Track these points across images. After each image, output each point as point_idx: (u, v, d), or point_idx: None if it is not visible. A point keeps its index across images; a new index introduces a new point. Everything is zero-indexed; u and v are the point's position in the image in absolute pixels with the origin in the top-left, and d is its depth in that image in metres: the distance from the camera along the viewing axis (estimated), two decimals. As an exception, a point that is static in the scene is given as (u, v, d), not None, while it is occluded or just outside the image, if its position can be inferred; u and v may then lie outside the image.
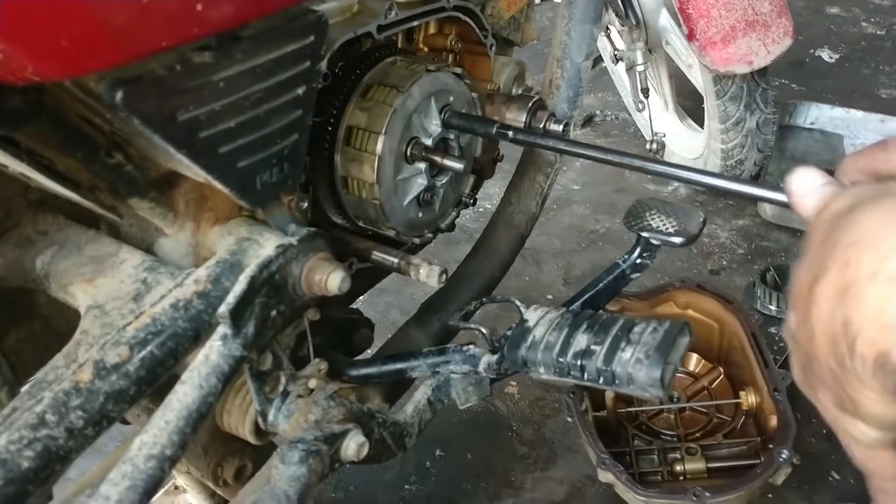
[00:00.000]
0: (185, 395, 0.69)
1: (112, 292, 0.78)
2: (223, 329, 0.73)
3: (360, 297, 1.25)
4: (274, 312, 0.79)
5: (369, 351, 1.15)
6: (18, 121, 0.61)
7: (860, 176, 0.52)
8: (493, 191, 2.15)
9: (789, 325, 0.51)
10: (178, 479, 1.17)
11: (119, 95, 0.58)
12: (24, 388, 0.71)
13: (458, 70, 1.01)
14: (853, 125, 2.38)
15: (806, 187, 0.53)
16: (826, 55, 3.12)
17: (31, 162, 0.67)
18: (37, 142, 0.68)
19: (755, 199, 0.82)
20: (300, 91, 0.74)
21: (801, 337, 0.48)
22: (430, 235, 1.10)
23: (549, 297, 2.00)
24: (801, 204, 0.54)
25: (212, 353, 0.72)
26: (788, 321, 0.51)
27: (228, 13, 0.60)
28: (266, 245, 0.81)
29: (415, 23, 0.98)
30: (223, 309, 0.72)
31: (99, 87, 0.59)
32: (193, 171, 0.71)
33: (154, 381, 0.71)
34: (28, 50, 0.50)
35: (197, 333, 0.74)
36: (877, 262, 0.41)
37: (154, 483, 0.63)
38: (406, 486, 1.55)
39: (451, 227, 1.14)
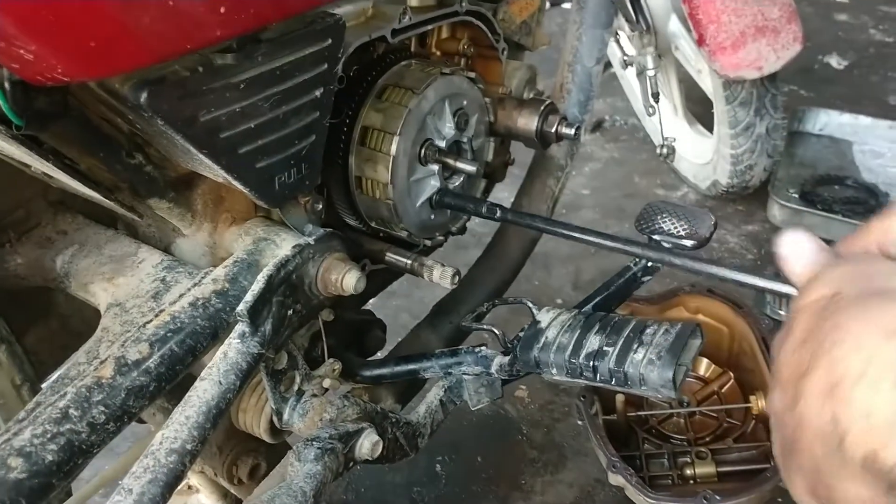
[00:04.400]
0: (204, 391, 0.70)
1: (132, 291, 0.79)
2: (241, 327, 0.74)
3: (371, 301, 1.26)
4: (290, 311, 0.80)
5: (380, 354, 1.16)
6: (45, 121, 0.62)
7: (860, 250, 0.53)
8: (502, 195, 2.16)
9: (774, 404, 0.52)
10: (192, 478, 1.18)
11: (143, 96, 0.60)
12: (47, 384, 0.73)
13: (472, 74, 1.02)
14: (862, 131, 2.38)
15: (799, 253, 0.54)
16: (835, 62, 3.13)
17: (55, 161, 0.69)
18: (60, 142, 0.69)
19: (759, 290, 0.82)
20: (317, 93, 0.76)
21: (786, 422, 0.49)
22: (441, 238, 1.11)
23: (559, 301, 2.01)
24: (792, 267, 0.54)
25: (230, 351, 0.73)
26: (773, 399, 0.52)
27: (250, 16, 0.61)
28: (283, 245, 0.82)
29: (428, 27, 1.00)
30: (241, 307, 0.73)
31: (124, 88, 0.60)
32: (213, 172, 0.72)
33: (173, 377, 0.72)
34: (57, 51, 0.52)
35: (215, 331, 0.76)
36: (862, 364, 0.42)
37: (175, 477, 0.64)
38: (416, 489, 1.56)
39: (463, 230, 1.15)
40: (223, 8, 0.57)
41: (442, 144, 0.98)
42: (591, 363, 0.86)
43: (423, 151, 0.96)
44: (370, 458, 0.87)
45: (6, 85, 0.56)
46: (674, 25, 2.04)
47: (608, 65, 2.42)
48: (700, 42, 1.83)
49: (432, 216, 1.03)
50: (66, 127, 0.66)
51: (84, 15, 0.51)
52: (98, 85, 0.63)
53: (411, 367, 1.01)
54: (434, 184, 1.00)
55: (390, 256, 0.99)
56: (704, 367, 1.64)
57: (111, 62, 0.54)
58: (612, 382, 0.85)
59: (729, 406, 1.54)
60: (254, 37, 0.67)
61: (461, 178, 1.05)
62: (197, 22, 0.57)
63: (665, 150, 1.90)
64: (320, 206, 0.91)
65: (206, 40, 0.60)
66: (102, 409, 0.66)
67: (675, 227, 1.05)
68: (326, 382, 0.90)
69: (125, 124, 0.70)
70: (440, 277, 0.93)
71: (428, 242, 1.08)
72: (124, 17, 0.52)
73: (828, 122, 2.43)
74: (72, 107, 0.66)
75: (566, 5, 2.49)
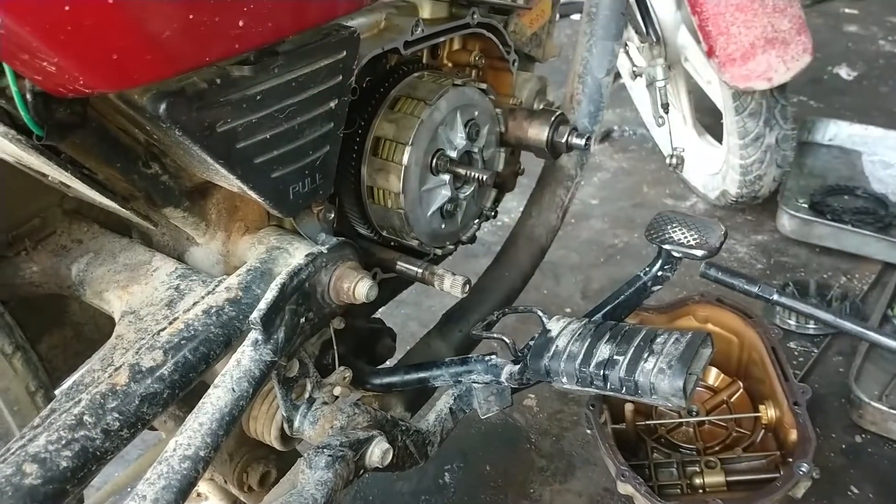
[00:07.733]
0: (217, 398, 0.71)
1: (146, 299, 0.80)
2: (254, 335, 0.75)
3: (380, 310, 1.27)
4: (303, 319, 0.81)
5: (389, 362, 1.16)
6: (64, 131, 0.63)
7: None
8: (511, 205, 2.16)
9: None
10: (202, 485, 1.18)
11: (162, 108, 0.61)
12: (61, 391, 0.74)
13: (483, 85, 1.02)
14: (871, 142, 2.37)
15: None
16: (844, 72, 3.12)
17: (73, 171, 0.70)
18: (79, 152, 0.70)
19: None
20: (332, 104, 0.77)
21: None
22: (451, 247, 1.11)
23: (568, 310, 2.01)
24: None
25: (243, 358, 0.74)
26: None
27: (267, 29, 0.62)
28: (296, 254, 0.83)
29: (440, 39, 1.00)
30: (255, 315, 0.74)
31: (143, 99, 0.61)
32: (229, 182, 0.73)
33: (187, 385, 0.73)
34: (80, 63, 0.53)
35: (228, 339, 0.76)
36: None
37: (189, 483, 0.65)
38: (424, 497, 1.56)
39: (473, 239, 1.15)
40: (241, 21, 0.58)
41: (453, 154, 0.99)
42: (602, 372, 0.86)
43: (434, 161, 0.97)
44: (380, 466, 0.87)
45: (28, 96, 0.57)
46: (683, 37, 2.04)
47: (618, 75, 2.42)
48: (710, 53, 1.83)
49: (443, 225, 1.04)
50: (85, 137, 0.67)
51: (106, 28, 0.52)
52: (117, 96, 0.64)
53: (421, 375, 1.02)
54: (445, 193, 1.00)
55: (401, 265, 0.99)
56: (714, 376, 1.64)
57: (132, 74, 0.55)
58: (623, 391, 0.86)
59: (738, 415, 1.54)
60: (271, 49, 0.68)
61: (472, 188, 1.06)
62: (215, 35, 0.58)
63: (674, 161, 1.90)
64: (332, 216, 0.91)
65: (225, 53, 0.60)
66: (117, 415, 0.67)
67: (686, 237, 1.05)
68: (337, 390, 0.91)
69: (143, 135, 0.71)
70: (451, 286, 0.94)
71: (438, 251, 1.09)
72: (145, 31, 0.53)
73: (837, 132, 2.42)
74: (91, 118, 0.66)
75: (576, 17, 2.50)
